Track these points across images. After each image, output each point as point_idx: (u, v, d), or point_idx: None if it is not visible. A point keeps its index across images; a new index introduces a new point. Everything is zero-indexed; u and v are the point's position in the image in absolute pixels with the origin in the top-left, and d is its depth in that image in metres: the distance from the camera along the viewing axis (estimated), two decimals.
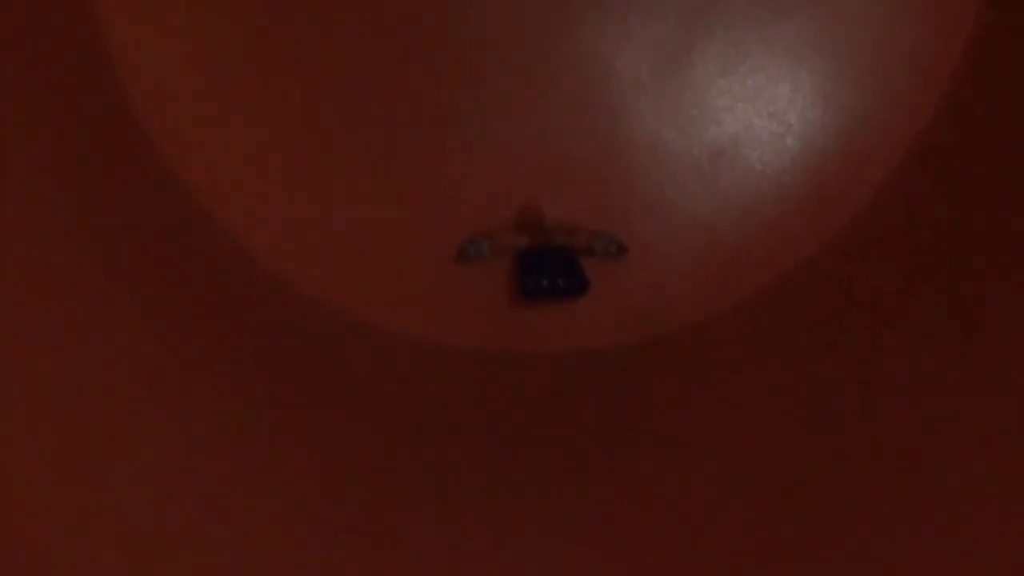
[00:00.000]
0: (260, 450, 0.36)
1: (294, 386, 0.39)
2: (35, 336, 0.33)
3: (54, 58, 0.38)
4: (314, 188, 0.42)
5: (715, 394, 0.40)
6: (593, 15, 0.42)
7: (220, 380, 0.38)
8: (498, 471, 0.38)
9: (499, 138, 0.42)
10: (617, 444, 0.39)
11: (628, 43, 0.42)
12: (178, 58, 0.41)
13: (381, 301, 0.42)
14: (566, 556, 0.35)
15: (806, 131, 0.42)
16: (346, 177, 0.42)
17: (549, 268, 0.41)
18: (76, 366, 0.34)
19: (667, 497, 0.37)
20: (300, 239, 0.42)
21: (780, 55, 0.42)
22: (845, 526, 0.34)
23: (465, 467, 0.38)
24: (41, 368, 0.33)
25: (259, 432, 0.37)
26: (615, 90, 0.42)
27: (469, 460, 0.39)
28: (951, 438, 0.35)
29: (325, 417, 0.39)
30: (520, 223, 0.42)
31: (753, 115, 0.42)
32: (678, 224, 0.42)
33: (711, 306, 0.42)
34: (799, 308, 0.42)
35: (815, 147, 0.42)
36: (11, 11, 0.38)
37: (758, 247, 0.42)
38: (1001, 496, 0.32)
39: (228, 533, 0.33)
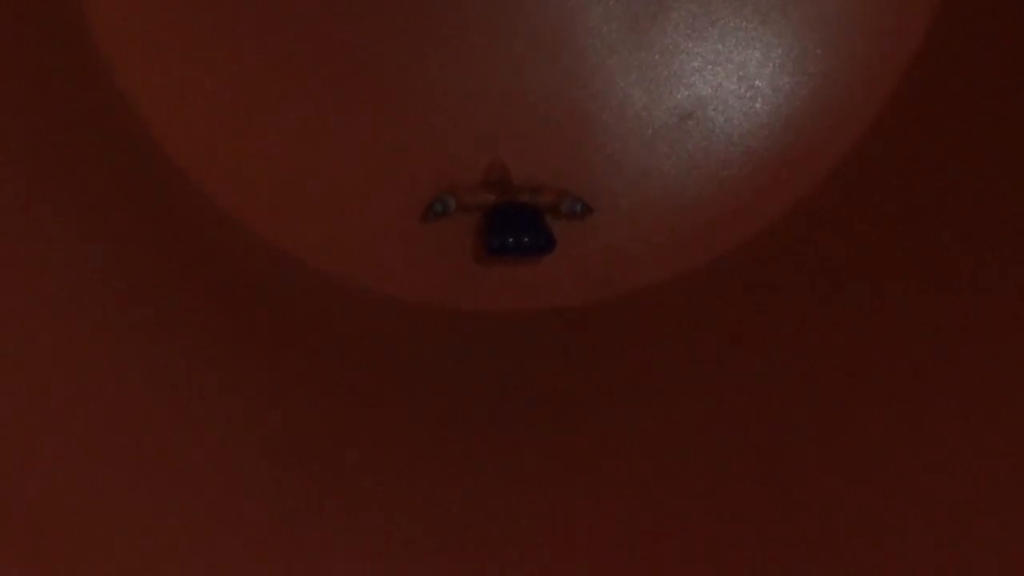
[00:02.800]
0: (218, 401, 0.36)
1: (259, 340, 0.39)
2: None
3: None
4: (283, 144, 0.42)
5: (679, 354, 0.40)
6: None
7: (185, 333, 0.38)
8: (460, 427, 0.38)
9: (467, 96, 0.42)
10: (580, 402, 0.39)
11: (598, 3, 0.42)
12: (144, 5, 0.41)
13: (348, 257, 0.42)
14: (526, 511, 0.35)
15: (775, 95, 0.42)
16: (314, 132, 0.42)
17: (515, 225, 0.41)
18: (36, 310, 0.34)
19: (629, 454, 0.37)
20: (269, 195, 0.42)
21: (750, 19, 0.42)
22: (807, 487, 0.34)
23: (426, 423, 0.38)
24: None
25: (221, 384, 0.37)
26: (584, 50, 0.42)
27: (431, 416, 0.39)
28: (919, 404, 0.35)
29: (288, 371, 0.39)
30: (487, 181, 0.42)
31: (722, 78, 0.42)
32: (644, 185, 0.42)
33: (676, 267, 0.42)
34: (763, 271, 0.42)
35: (783, 111, 0.42)
36: None
37: (724, 210, 0.42)
38: (981, 474, 0.33)
39: (180, 478, 0.33)
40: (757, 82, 0.42)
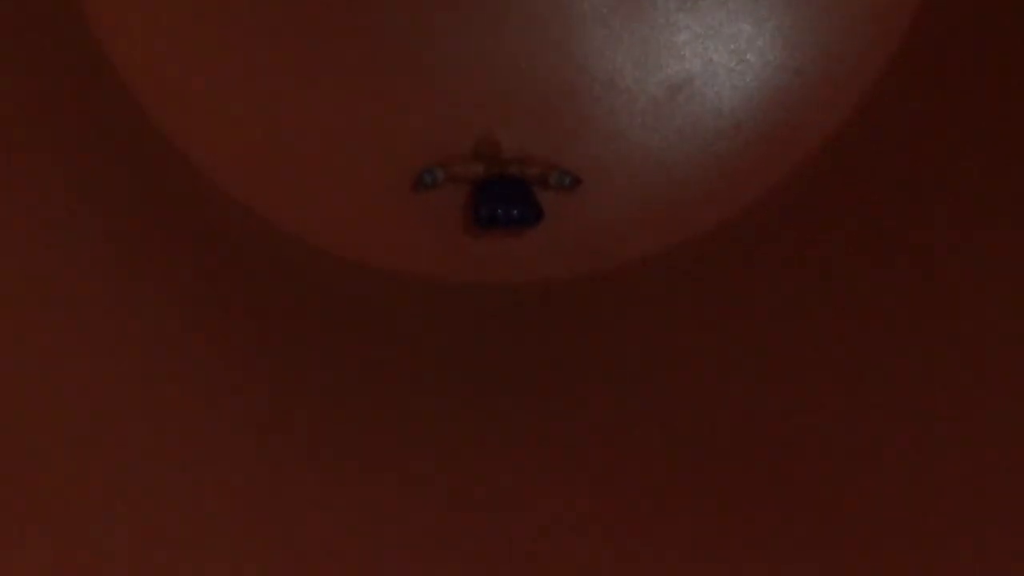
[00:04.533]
0: (205, 373, 0.36)
1: (246, 311, 0.39)
2: None
3: None
4: (273, 115, 0.42)
5: (667, 328, 0.40)
6: None
7: (172, 306, 0.38)
8: (447, 398, 0.38)
9: (458, 67, 0.42)
10: (567, 374, 0.39)
11: None
12: None
13: (336, 227, 0.42)
14: (511, 482, 0.35)
15: (765, 68, 0.42)
16: (304, 104, 0.42)
17: (504, 197, 0.41)
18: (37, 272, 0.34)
19: (618, 427, 0.37)
20: (258, 165, 0.42)
21: None
22: (798, 461, 0.34)
23: (413, 393, 0.38)
24: None
25: (208, 354, 0.37)
26: (575, 23, 0.42)
27: (418, 386, 0.39)
28: (908, 372, 0.35)
29: (275, 341, 0.39)
30: (476, 152, 0.42)
31: (712, 51, 0.42)
32: (633, 158, 0.42)
33: (664, 240, 0.42)
34: (752, 245, 0.42)
35: (773, 84, 0.42)
36: None
37: (713, 183, 0.42)
38: (969, 431, 0.33)
39: (167, 447, 0.33)
40: (748, 56, 0.42)
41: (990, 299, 0.35)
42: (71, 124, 0.39)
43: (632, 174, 0.42)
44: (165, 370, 0.35)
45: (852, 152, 0.42)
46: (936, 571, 0.31)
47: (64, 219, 0.36)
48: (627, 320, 0.41)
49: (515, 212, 0.41)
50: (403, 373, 0.39)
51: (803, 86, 0.42)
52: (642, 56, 0.42)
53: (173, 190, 0.41)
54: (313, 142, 0.42)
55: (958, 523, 0.31)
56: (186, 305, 0.38)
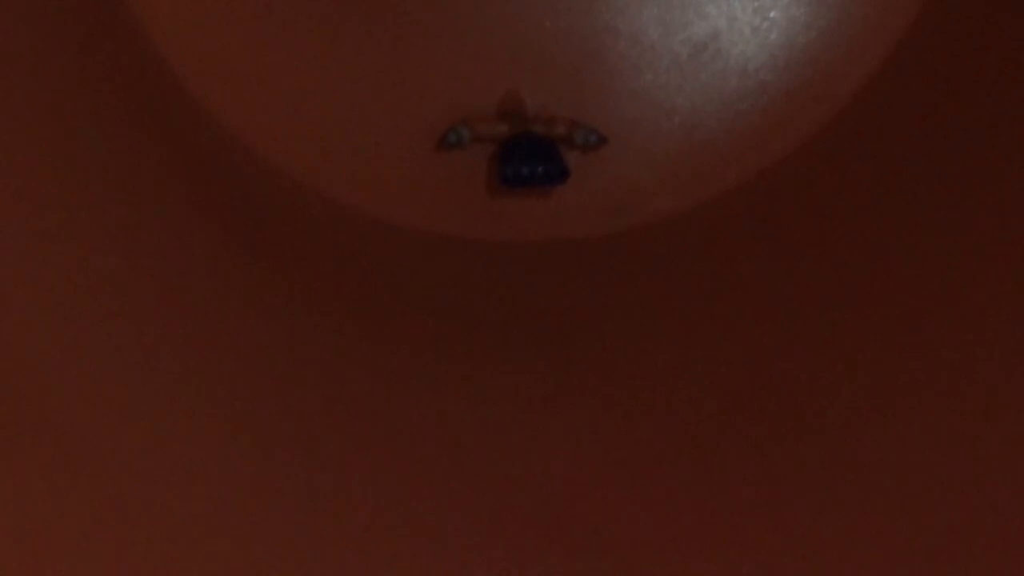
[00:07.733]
0: (229, 329, 0.36)
1: (272, 269, 0.40)
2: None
3: None
4: (299, 75, 0.42)
5: (691, 285, 0.41)
6: None
7: (198, 264, 0.38)
8: (472, 357, 0.39)
9: (483, 26, 0.42)
10: (591, 332, 0.39)
11: None
12: None
13: (362, 186, 0.42)
14: (537, 442, 0.36)
15: (789, 27, 0.42)
16: (329, 64, 0.42)
17: (529, 156, 0.41)
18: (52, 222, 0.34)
19: (640, 384, 0.37)
20: (284, 124, 0.42)
21: None
22: (816, 419, 0.35)
23: (439, 353, 0.38)
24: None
25: (232, 312, 0.37)
26: None
27: (443, 344, 0.39)
28: (926, 331, 0.35)
29: (301, 299, 0.39)
30: (501, 112, 0.42)
31: (737, 9, 0.42)
32: (658, 116, 0.42)
33: (689, 199, 0.42)
34: (776, 203, 0.42)
35: (798, 43, 0.42)
36: None
37: (737, 142, 0.42)
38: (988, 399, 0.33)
39: (192, 400, 0.33)
40: (772, 14, 0.42)
41: (1014, 251, 0.35)
42: (91, 76, 0.39)
43: (657, 133, 0.42)
44: (186, 332, 0.35)
45: (877, 111, 0.42)
46: (947, 527, 0.31)
47: (82, 171, 0.36)
48: (652, 278, 0.41)
49: (540, 171, 0.41)
50: (427, 331, 0.39)
51: (828, 44, 0.42)
52: (667, 14, 0.42)
53: (194, 146, 0.41)
54: (338, 102, 0.42)
55: (973, 476, 0.32)
56: (208, 263, 0.38)
